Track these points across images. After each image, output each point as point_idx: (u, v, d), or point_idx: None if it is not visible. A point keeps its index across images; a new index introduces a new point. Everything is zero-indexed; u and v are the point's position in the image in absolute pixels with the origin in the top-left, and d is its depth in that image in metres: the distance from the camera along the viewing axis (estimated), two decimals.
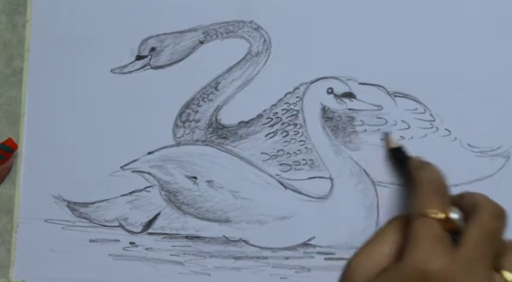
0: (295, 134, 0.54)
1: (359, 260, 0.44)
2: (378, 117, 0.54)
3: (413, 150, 0.53)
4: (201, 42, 0.55)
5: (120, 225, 0.55)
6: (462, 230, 0.43)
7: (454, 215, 0.43)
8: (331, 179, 0.54)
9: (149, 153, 0.55)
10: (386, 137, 0.53)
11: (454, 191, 0.52)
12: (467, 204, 0.46)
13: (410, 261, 0.41)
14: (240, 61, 0.54)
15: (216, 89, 0.54)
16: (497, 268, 0.42)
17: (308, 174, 0.54)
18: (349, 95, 0.54)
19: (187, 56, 0.55)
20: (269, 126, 0.54)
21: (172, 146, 0.55)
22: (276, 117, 0.54)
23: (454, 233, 0.42)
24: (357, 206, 0.53)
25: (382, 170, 0.53)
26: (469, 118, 0.53)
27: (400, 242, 0.43)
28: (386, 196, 0.53)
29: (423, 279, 0.40)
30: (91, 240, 0.55)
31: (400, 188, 0.53)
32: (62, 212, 0.55)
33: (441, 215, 0.43)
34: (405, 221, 0.44)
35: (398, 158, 0.53)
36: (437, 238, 0.42)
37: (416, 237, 0.42)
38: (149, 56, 0.55)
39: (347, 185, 0.54)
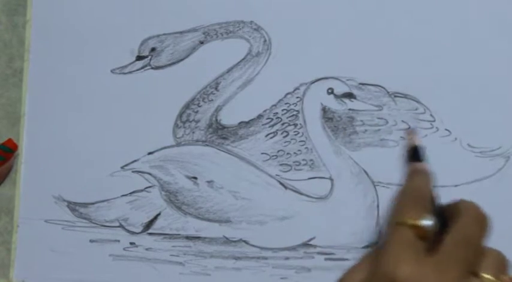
0: (296, 134, 0.54)
1: (344, 277, 0.44)
2: (378, 118, 0.54)
3: None
4: (201, 43, 0.55)
5: (121, 226, 0.55)
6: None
7: (427, 222, 0.43)
8: (331, 179, 0.54)
9: (149, 153, 0.55)
10: (410, 133, 0.51)
11: (454, 191, 0.53)
12: (452, 210, 0.46)
13: (380, 269, 0.41)
14: (240, 61, 0.54)
15: (216, 89, 0.54)
16: (475, 273, 0.42)
17: (308, 174, 0.54)
18: (349, 95, 0.54)
19: (187, 56, 0.55)
20: (269, 127, 0.54)
21: (172, 146, 0.55)
22: (276, 118, 0.54)
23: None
24: (357, 206, 0.53)
25: (382, 170, 0.53)
26: (469, 118, 0.53)
27: None
28: (387, 196, 0.53)
29: None
30: (91, 241, 0.55)
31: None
32: (62, 212, 0.55)
33: (413, 222, 0.43)
34: None
35: (413, 157, 0.51)
36: (407, 244, 0.42)
37: (387, 244, 0.43)
38: (149, 56, 0.55)
39: (347, 185, 0.54)
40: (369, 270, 0.43)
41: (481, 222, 0.43)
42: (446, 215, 0.46)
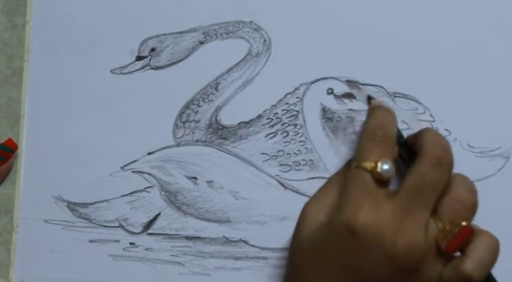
0: (295, 135, 0.54)
1: (311, 207, 0.45)
2: None
3: None
4: (201, 43, 0.55)
5: (120, 226, 0.55)
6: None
7: (385, 167, 0.42)
8: None
9: (149, 153, 0.55)
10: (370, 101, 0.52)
11: None
12: (418, 145, 0.44)
13: (339, 216, 0.41)
14: (240, 61, 0.54)
15: (216, 89, 0.54)
16: (433, 213, 0.41)
17: (308, 174, 0.54)
18: (349, 96, 0.54)
19: (187, 56, 0.55)
20: (269, 127, 0.54)
21: (172, 146, 0.55)
22: (276, 118, 0.54)
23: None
24: None
25: None
26: (469, 118, 0.53)
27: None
28: None
29: (351, 234, 0.40)
30: (91, 241, 0.55)
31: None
32: (62, 212, 0.55)
33: (371, 168, 0.42)
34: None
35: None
36: (366, 191, 0.41)
37: (346, 190, 0.42)
38: (149, 57, 0.55)
39: None
40: (330, 209, 0.42)
41: (441, 163, 0.42)
42: (415, 148, 0.45)
